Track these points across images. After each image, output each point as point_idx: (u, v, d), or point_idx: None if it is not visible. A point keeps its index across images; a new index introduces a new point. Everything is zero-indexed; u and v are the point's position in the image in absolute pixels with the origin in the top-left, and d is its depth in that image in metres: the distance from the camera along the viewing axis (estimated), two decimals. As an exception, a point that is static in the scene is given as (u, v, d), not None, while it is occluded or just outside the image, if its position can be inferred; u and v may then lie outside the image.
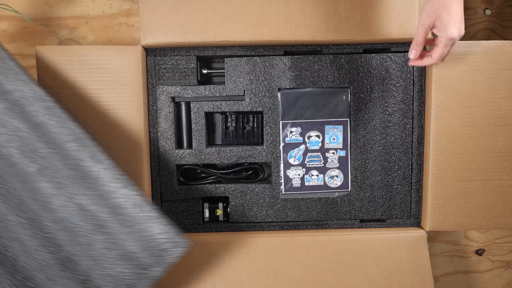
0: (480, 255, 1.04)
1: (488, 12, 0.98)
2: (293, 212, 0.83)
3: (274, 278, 0.78)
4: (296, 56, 0.80)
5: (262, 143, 0.84)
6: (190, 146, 0.83)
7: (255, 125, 0.86)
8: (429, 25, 0.63)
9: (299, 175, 0.83)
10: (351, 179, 0.83)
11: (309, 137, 0.82)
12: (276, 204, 0.83)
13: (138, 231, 0.65)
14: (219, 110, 0.81)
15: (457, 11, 0.62)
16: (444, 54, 0.65)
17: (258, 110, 0.81)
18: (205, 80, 0.86)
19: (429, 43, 0.71)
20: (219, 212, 0.84)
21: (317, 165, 0.83)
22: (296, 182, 0.83)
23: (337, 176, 0.83)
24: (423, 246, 0.80)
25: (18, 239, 0.65)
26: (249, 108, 0.80)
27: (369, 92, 0.81)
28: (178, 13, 0.78)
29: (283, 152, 0.82)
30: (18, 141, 0.64)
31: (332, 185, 0.83)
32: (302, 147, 0.83)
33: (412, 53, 0.68)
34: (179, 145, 0.84)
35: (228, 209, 0.84)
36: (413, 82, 0.81)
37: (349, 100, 0.81)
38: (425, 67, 0.80)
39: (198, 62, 0.82)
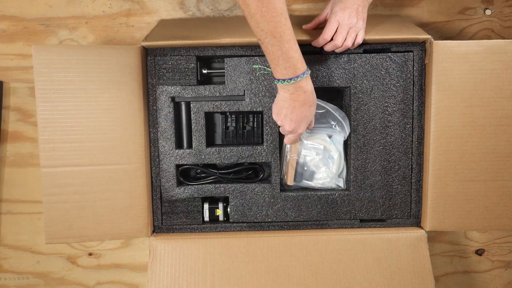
0: (480, 255, 1.04)
1: (488, 12, 0.98)
2: (293, 212, 0.83)
3: (274, 278, 0.78)
4: (296, 56, 0.80)
5: (262, 143, 0.84)
6: (190, 146, 0.83)
7: (255, 125, 0.86)
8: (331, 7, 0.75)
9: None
10: (351, 179, 0.83)
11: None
12: (276, 204, 0.83)
13: None
14: (219, 110, 0.81)
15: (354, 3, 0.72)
16: (330, 29, 0.73)
17: (258, 110, 0.81)
18: (205, 80, 0.86)
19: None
20: (219, 212, 0.84)
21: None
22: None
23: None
24: (423, 246, 0.80)
25: None
26: (249, 108, 0.80)
27: (369, 92, 0.81)
28: (183, 23, 0.78)
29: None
30: None
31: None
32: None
33: (307, 25, 0.79)
34: (179, 145, 0.84)
35: (228, 209, 0.84)
36: (413, 82, 0.81)
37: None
38: (424, 67, 0.80)
39: (198, 62, 0.81)
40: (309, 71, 0.66)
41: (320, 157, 0.82)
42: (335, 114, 0.81)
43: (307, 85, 0.66)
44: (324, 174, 0.82)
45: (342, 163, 0.83)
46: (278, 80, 0.66)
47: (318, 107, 0.81)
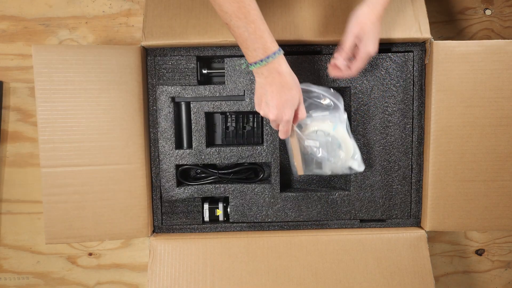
0: (480, 255, 1.04)
1: (488, 12, 0.98)
2: (293, 212, 0.83)
3: (274, 278, 0.78)
4: (296, 56, 0.80)
5: (262, 143, 0.84)
6: (190, 146, 0.83)
7: (255, 125, 0.86)
8: (357, 34, 0.68)
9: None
10: (351, 179, 0.83)
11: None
12: (276, 204, 0.83)
13: None
14: (219, 110, 0.81)
15: (378, 28, 0.68)
16: (361, 67, 0.71)
17: (258, 110, 0.81)
18: (205, 80, 0.86)
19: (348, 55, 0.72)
20: (219, 212, 0.84)
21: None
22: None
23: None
24: (423, 246, 0.80)
25: None
26: (249, 108, 0.80)
27: (369, 92, 0.81)
28: (180, 17, 0.78)
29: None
30: None
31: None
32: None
33: (339, 60, 0.71)
34: (179, 145, 0.84)
35: (228, 209, 0.84)
36: (413, 82, 0.81)
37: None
38: (425, 67, 0.80)
39: (198, 62, 0.81)
40: (282, 51, 0.63)
41: (325, 145, 0.78)
42: (328, 95, 0.77)
43: (281, 66, 0.63)
44: (333, 160, 0.79)
45: (351, 144, 0.78)
46: (251, 64, 0.64)
47: (308, 92, 0.78)
